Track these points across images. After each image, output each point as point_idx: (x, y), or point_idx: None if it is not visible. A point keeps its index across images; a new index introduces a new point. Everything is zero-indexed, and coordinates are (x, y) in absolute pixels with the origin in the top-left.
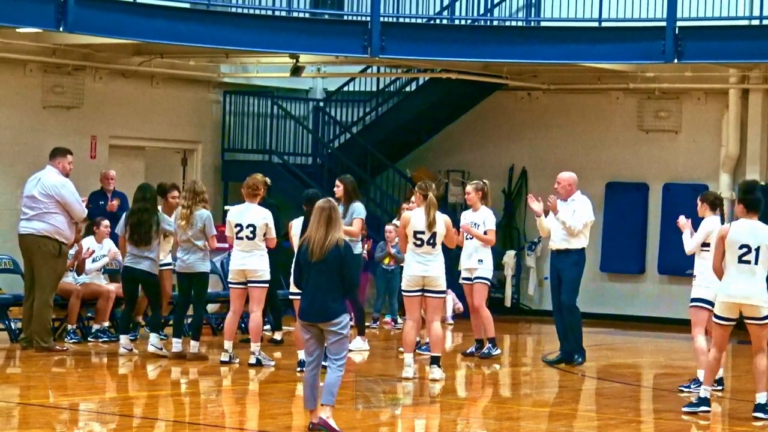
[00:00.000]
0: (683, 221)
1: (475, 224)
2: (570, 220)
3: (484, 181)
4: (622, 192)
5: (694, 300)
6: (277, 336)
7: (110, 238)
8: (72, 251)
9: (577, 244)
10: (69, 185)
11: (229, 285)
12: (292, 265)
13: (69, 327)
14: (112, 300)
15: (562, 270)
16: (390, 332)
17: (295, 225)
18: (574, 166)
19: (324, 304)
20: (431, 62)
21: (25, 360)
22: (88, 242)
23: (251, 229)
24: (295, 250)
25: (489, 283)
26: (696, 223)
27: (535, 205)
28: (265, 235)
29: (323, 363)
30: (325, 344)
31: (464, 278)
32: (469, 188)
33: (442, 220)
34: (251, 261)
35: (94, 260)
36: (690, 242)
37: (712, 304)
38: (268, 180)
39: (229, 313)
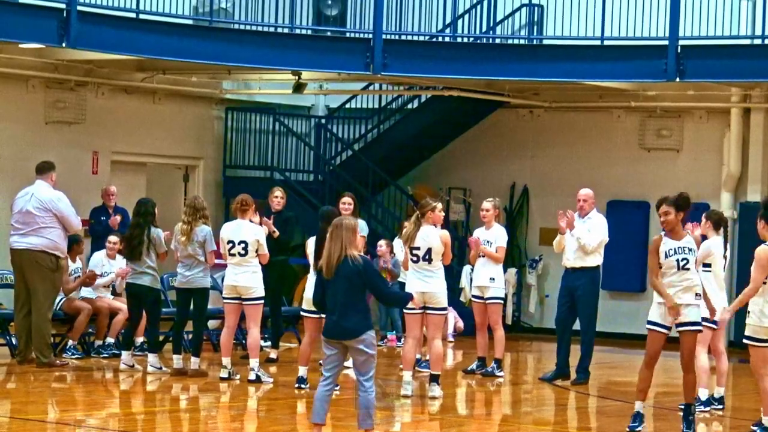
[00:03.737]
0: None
1: (487, 242)
2: (585, 238)
3: (497, 198)
4: (623, 210)
5: None
6: (273, 354)
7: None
8: (74, 266)
9: (591, 262)
10: (64, 198)
11: (223, 300)
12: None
13: (70, 342)
14: (122, 318)
15: (578, 289)
16: (395, 349)
17: (310, 243)
18: (576, 184)
19: (343, 322)
20: (433, 80)
21: (26, 375)
22: (100, 256)
23: (243, 245)
24: (311, 267)
25: (502, 301)
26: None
27: (563, 222)
28: (257, 251)
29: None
30: (353, 364)
31: (475, 296)
32: (487, 205)
33: (438, 235)
34: (243, 278)
35: (103, 275)
36: None
37: (714, 322)
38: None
39: (224, 328)
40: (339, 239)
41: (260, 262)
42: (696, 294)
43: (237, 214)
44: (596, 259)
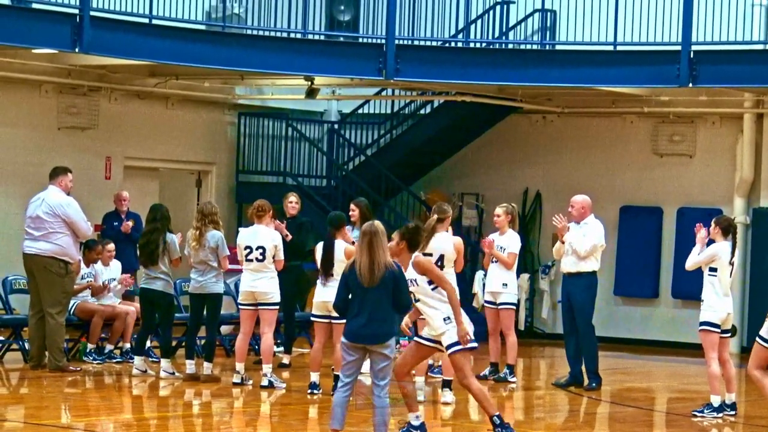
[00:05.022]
0: (701, 233)
1: (501, 248)
2: (577, 243)
3: (513, 204)
4: (636, 216)
5: (702, 324)
6: (286, 360)
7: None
8: (86, 271)
9: (587, 268)
10: (74, 204)
11: (239, 306)
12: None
13: (90, 346)
14: (133, 320)
15: (574, 294)
16: None
17: (319, 249)
18: (589, 189)
19: (375, 327)
20: (446, 85)
21: (39, 380)
22: (97, 264)
23: (261, 251)
24: (320, 273)
25: (515, 307)
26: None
27: (557, 224)
28: (274, 257)
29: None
30: (372, 368)
31: (487, 302)
32: (499, 211)
33: (451, 242)
34: (261, 283)
35: (107, 283)
36: (694, 258)
37: (719, 327)
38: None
39: (239, 334)
40: (380, 246)
41: (276, 268)
42: (444, 319)
43: (254, 220)
44: (592, 265)
